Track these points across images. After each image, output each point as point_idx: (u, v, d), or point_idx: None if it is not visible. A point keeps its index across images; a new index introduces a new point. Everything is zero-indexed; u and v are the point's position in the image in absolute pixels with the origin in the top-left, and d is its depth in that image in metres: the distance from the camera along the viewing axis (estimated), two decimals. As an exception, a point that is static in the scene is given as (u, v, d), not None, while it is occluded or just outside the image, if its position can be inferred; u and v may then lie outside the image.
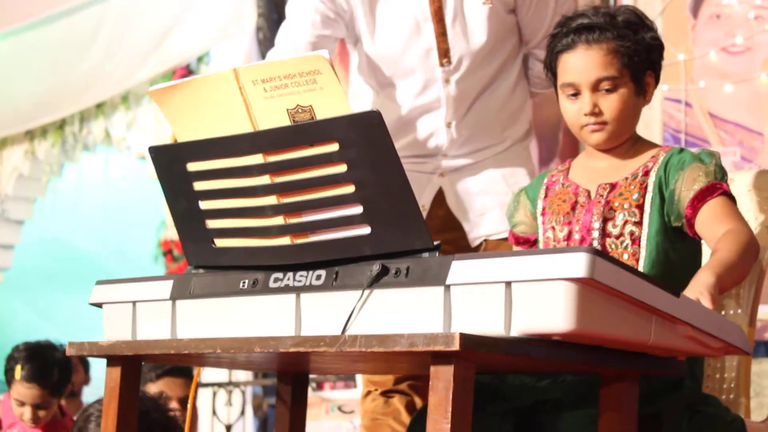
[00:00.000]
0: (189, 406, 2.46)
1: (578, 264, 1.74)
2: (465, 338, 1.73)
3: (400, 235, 1.94)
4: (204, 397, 6.24)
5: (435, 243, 1.93)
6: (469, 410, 1.79)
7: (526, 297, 1.79)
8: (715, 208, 2.37)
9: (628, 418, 2.04)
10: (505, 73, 3.23)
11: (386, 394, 3.25)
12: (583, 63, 2.47)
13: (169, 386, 3.73)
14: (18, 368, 4.27)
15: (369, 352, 1.84)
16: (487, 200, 3.22)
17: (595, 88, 2.47)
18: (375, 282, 1.94)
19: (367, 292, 1.95)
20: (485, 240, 3.23)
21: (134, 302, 2.26)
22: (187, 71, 6.90)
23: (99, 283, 2.34)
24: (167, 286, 2.22)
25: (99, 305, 2.34)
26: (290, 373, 2.48)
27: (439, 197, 3.23)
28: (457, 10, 3.12)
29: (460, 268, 1.86)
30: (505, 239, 2.93)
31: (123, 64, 7.06)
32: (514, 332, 1.81)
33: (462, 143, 3.21)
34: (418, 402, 3.24)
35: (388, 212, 1.95)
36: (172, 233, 6.87)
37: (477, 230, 3.23)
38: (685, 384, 2.33)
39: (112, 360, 2.27)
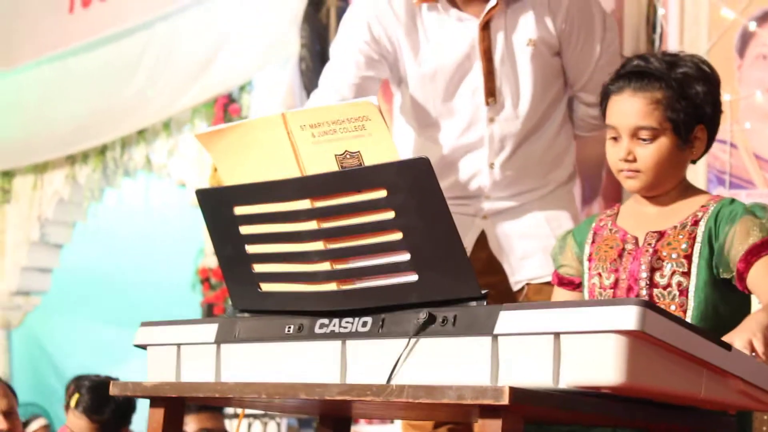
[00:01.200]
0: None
1: (629, 316, 1.72)
2: (515, 392, 1.71)
3: (448, 283, 1.93)
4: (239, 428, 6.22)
5: (483, 292, 1.91)
6: (516, 464, 1.77)
7: (575, 349, 1.78)
8: None
9: (678, 473, 2.01)
10: (551, 115, 3.22)
11: (425, 437, 3.23)
12: (625, 108, 2.45)
13: (202, 420, 3.71)
14: (76, 397, 4.27)
15: (416, 403, 1.82)
16: (530, 244, 3.20)
17: (634, 135, 2.45)
18: (421, 330, 1.93)
19: (413, 340, 1.93)
20: (527, 284, 3.21)
21: (179, 345, 2.26)
22: (229, 100, 6.91)
23: (144, 324, 2.34)
24: (212, 329, 2.21)
25: (143, 347, 2.33)
26: (332, 417, 2.46)
27: (482, 240, 3.21)
28: (505, 51, 3.11)
29: (508, 318, 1.84)
30: (547, 283, 2.91)
31: (165, 90, 7.07)
32: (563, 384, 1.79)
33: (506, 185, 3.19)
34: (458, 446, 3.22)
35: (436, 259, 1.94)
36: (210, 261, 6.87)
37: (519, 274, 3.21)
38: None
39: (156, 401, 2.26)
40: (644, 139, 2.44)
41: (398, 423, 5.52)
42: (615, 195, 5.10)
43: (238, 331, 2.18)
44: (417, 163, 1.90)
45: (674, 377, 1.82)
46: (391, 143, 1.96)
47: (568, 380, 1.78)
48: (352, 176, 1.99)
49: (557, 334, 1.79)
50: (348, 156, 2.00)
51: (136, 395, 2.26)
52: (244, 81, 6.78)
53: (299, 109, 2.08)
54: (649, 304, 1.73)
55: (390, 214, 1.95)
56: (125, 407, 4.22)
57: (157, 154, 7.45)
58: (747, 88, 4.57)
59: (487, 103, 3.13)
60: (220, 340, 2.20)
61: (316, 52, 6.43)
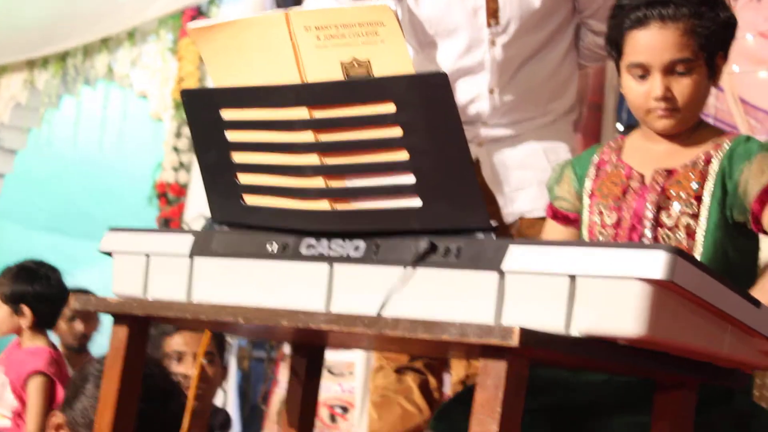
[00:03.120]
0: (197, 368, 2.28)
1: (658, 264, 1.55)
2: (525, 334, 1.55)
3: (454, 211, 1.76)
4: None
5: (492, 223, 1.74)
6: (519, 411, 1.61)
7: (592, 294, 1.60)
8: None
9: (683, 429, 1.86)
10: (556, 42, 3.06)
11: (400, 370, 3.10)
12: (656, 42, 2.26)
13: (186, 341, 3.53)
14: None
15: (410, 338, 1.66)
16: (526, 175, 3.05)
17: (668, 70, 2.27)
18: (420, 260, 1.75)
19: (410, 269, 1.76)
20: (520, 218, 3.06)
21: (148, 254, 2.08)
22: (197, 12, 6.75)
23: (111, 230, 2.15)
24: (187, 240, 2.03)
25: (109, 254, 2.15)
26: (307, 346, 2.30)
27: (475, 168, 3.04)
28: None
29: (518, 254, 1.67)
30: (542, 218, 2.76)
31: (133, -1, 6.89)
32: (574, 331, 1.63)
33: (504, 112, 3.03)
34: (433, 382, 3.09)
35: (443, 185, 1.76)
36: (168, 175, 6.73)
37: (512, 206, 3.06)
38: (736, 394, 2.16)
39: (120, 319, 2.08)
40: (681, 73, 2.27)
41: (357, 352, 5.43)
42: (594, 132, 4.98)
43: (215, 244, 2.00)
44: (433, 77, 1.71)
45: (697, 332, 1.67)
46: (405, 53, 1.77)
47: (582, 327, 1.62)
48: (359, 86, 1.80)
49: (573, 276, 1.62)
50: (356, 64, 1.81)
51: (99, 310, 2.08)
52: (214, -7, 6.61)
53: (305, 8, 1.88)
54: (680, 252, 1.56)
55: (397, 131, 1.76)
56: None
57: (119, 64, 7.30)
58: (738, 30, 4.45)
59: (489, 25, 2.96)
60: (194, 252, 2.01)
61: (291, -34, 6.26)
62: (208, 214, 2.09)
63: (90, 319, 5.55)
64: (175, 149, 6.77)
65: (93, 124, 7.60)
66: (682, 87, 2.27)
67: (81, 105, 7.79)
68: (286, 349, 5.79)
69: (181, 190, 6.66)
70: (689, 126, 2.33)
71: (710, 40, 2.27)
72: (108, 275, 2.14)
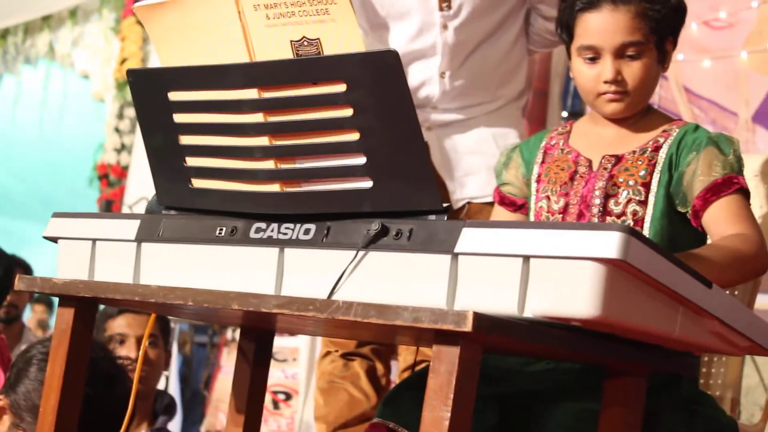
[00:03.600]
0: (141, 351, 2.25)
1: (611, 243, 1.53)
2: (479, 318, 1.53)
3: (406, 193, 1.73)
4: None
5: (444, 205, 1.72)
6: (472, 397, 1.59)
7: (546, 275, 1.59)
8: (728, 207, 2.17)
9: (633, 415, 1.86)
10: (507, 26, 3.04)
11: (347, 356, 3.08)
12: (607, 25, 2.24)
13: (129, 323, 3.49)
14: None
15: (362, 322, 1.63)
16: (475, 160, 3.04)
17: (619, 53, 2.25)
18: (372, 243, 1.73)
19: (361, 253, 1.74)
20: (469, 202, 3.04)
21: (95, 240, 2.04)
22: (141, -9, 6.66)
23: (56, 215, 2.11)
24: (133, 225, 2.00)
25: (54, 240, 2.11)
26: (255, 330, 2.27)
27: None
28: None
29: (471, 236, 1.65)
30: (491, 203, 2.74)
31: (76, -24, 6.80)
32: (528, 313, 1.61)
33: (454, 96, 3.01)
34: (380, 368, 3.07)
35: (395, 166, 1.73)
36: (109, 157, 6.66)
37: (462, 191, 3.04)
38: (684, 381, 2.16)
39: (66, 300, 2.05)
40: (631, 56, 2.25)
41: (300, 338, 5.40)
42: (540, 117, 4.99)
43: (163, 229, 1.97)
44: (384, 56, 1.68)
45: (650, 313, 1.65)
46: (357, 32, 1.75)
47: (535, 309, 1.60)
48: (309, 66, 1.76)
49: (527, 257, 1.60)
50: (306, 43, 1.79)
51: (44, 292, 2.03)
52: (159, -28, 6.52)
53: (254, -14, 1.84)
54: (634, 231, 1.55)
55: (348, 112, 1.73)
56: None
57: (61, 43, 7.21)
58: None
59: (441, 8, 2.94)
60: (141, 238, 1.98)
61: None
62: (150, 196, 2.05)
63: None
64: (117, 130, 6.71)
65: (33, 103, 7.51)
66: (632, 70, 2.26)
67: (21, 84, 7.69)
68: (229, 334, 5.76)
69: (123, 171, 6.60)
70: (638, 111, 2.32)
71: (661, 24, 2.26)
72: (50, 256, 2.10)
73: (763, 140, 4.63)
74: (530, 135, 3.14)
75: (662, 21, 2.26)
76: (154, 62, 6.52)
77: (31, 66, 7.42)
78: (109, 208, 6.46)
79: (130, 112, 6.64)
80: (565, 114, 5.18)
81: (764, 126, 4.64)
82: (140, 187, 6.21)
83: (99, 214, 2.06)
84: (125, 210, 6.16)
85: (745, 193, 2.20)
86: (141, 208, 6.00)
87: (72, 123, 7.20)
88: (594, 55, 2.27)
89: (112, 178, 6.66)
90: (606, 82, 2.26)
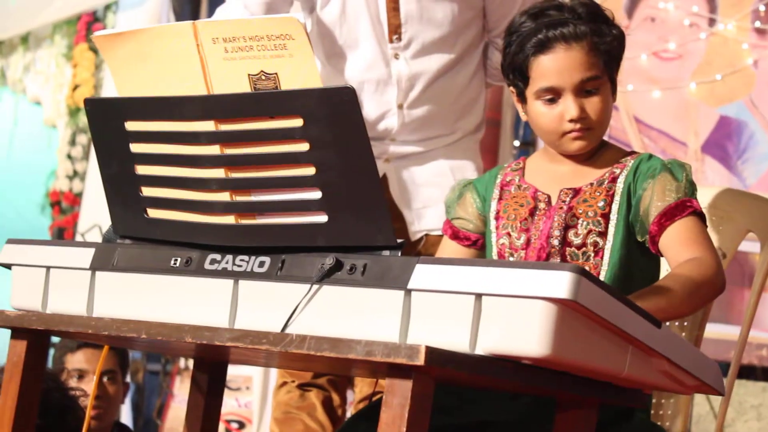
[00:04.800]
0: (94, 386, 2.25)
1: (562, 283, 1.56)
2: (431, 352, 1.54)
3: (360, 228, 1.75)
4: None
5: (398, 241, 1.74)
6: (424, 430, 1.60)
7: (497, 313, 1.61)
8: (682, 230, 2.20)
9: (583, 449, 1.88)
10: (465, 61, 3.06)
11: (303, 387, 3.08)
12: (564, 64, 2.26)
13: (88, 358, 3.47)
14: None
15: (315, 355, 1.64)
16: (432, 193, 3.06)
17: (579, 90, 2.27)
18: (326, 277, 1.75)
19: (315, 286, 1.75)
20: (426, 234, 3.06)
21: (48, 267, 2.04)
22: (93, 18, 6.67)
23: (10, 241, 2.11)
24: (88, 254, 2.00)
25: (8, 266, 2.11)
26: (209, 361, 2.27)
27: (382, 184, 3.04)
28: None
29: (424, 273, 1.67)
30: (447, 236, 2.76)
31: (28, 2, 6.77)
32: (479, 350, 1.63)
33: (413, 129, 3.04)
34: (336, 399, 3.07)
35: (350, 201, 1.75)
36: (62, 184, 6.63)
37: (419, 223, 3.06)
38: (636, 413, 2.18)
39: (19, 333, 2.04)
40: (589, 91, 2.28)
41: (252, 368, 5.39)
42: (492, 147, 5.03)
43: (117, 258, 1.97)
44: (340, 92, 1.70)
45: (599, 352, 1.68)
46: (314, 68, 1.76)
47: (487, 346, 1.62)
48: (266, 99, 1.78)
49: (479, 295, 1.62)
50: (263, 77, 1.80)
51: (-3, 324, 2.03)
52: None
53: (214, 19, 1.86)
54: (584, 272, 1.57)
55: (304, 146, 1.75)
56: None
57: (12, 69, 7.16)
58: (632, 50, 4.54)
59: (391, 40, 2.96)
60: (95, 266, 1.98)
61: (189, -25, 6.25)
62: (103, 223, 2.06)
63: None
64: (69, 157, 6.68)
65: (-16, 128, 7.46)
66: (593, 105, 2.28)
67: (-28, 109, 7.64)
68: (182, 362, 5.73)
69: (75, 199, 6.56)
70: (596, 145, 2.35)
71: (611, 56, 2.29)
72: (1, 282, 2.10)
73: (712, 170, 4.70)
74: (482, 164, 3.17)
75: (611, 52, 2.29)
76: (107, 89, 6.51)
77: (-19, 91, 7.38)
78: (62, 235, 6.43)
79: (83, 138, 6.61)
80: (517, 143, 5.23)
81: (713, 156, 4.71)
82: (93, 214, 6.18)
83: (53, 241, 2.06)
84: (78, 238, 6.12)
85: (699, 215, 2.23)
86: (94, 236, 5.96)
87: (23, 149, 7.16)
88: (553, 96, 2.28)
89: (64, 205, 6.62)
90: (571, 120, 2.27)
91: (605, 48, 2.27)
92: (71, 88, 6.68)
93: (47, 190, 6.77)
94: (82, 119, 6.56)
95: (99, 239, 5.87)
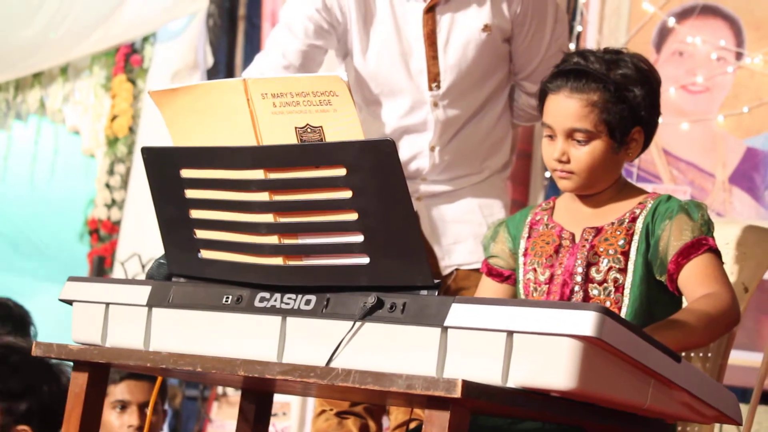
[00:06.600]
0: (149, 411, 2.38)
1: (587, 322, 1.70)
2: (467, 386, 1.68)
3: (400, 270, 1.89)
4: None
5: (435, 281, 1.88)
6: (460, 458, 1.74)
7: (527, 349, 1.75)
8: (699, 267, 2.32)
9: (609, 475, 2.01)
10: (492, 103, 3.20)
11: (341, 415, 3.19)
12: (561, 109, 2.42)
13: (131, 389, 3.59)
14: None
15: (359, 388, 1.79)
16: (462, 229, 3.19)
17: (569, 136, 2.42)
18: (368, 314, 1.89)
19: (358, 323, 1.89)
20: (456, 269, 3.19)
21: (108, 304, 2.19)
22: (131, 50, 6.81)
23: (71, 279, 2.26)
24: (145, 291, 2.15)
25: (69, 302, 2.26)
26: (256, 392, 2.41)
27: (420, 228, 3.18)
28: (451, 34, 3.08)
29: (459, 311, 1.81)
30: (477, 270, 2.89)
31: (67, 35, 6.91)
32: (511, 383, 1.77)
33: (443, 169, 3.17)
34: (372, 426, 3.19)
35: (390, 244, 1.90)
36: (100, 212, 6.76)
37: (449, 259, 3.19)
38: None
39: (80, 365, 2.19)
40: (579, 141, 2.42)
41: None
42: (523, 179, 5.13)
43: (173, 295, 2.12)
44: (381, 144, 1.85)
45: (622, 385, 1.81)
46: (356, 121, 1.91)
47: (517, 380, 1.76)
48: (312, 151, 1.93)
49: (510, 332, 1.76)
50: (309, 130, 1.95)
51: (61, 358, 2.18)
52: (148, 32, 6.68)
53: (263, 76, 2.00)
54: (608, 311, 1.71)
55: (347, 194, 1.90)
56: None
57: (51, 99, 7.30)
58: (661, 83, 4.62)
59: (431, 88, 3.10)
60: (152, 303, 2.13)
61: (224, 10, 6.36)
62: (142, 252, 2.20)
63: None
64: (108, 186, 6.81)
65: (24, 159, 7.60)
66: (578, 154, 2.42)
67: (12, 140, 7.77)
68: (220, 389, 5.84)
69: (114, 227, 6.70)
70: (598, 189, 2.48)
71: (616, 117, 2.41)
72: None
73: (740, 201, 4.77)
74: (514, 195, 3.30)
75: (619, 113, 2.41)
76: (144, 119, 6.63)
77: (21, 122, 7.52)
78: (102, 263, 6.56)
79: (121, 168, 6.75)
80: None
81: (741, 187, 4.78)
82: (132, 243, 6.31)
83: (112, 279, 2.21)
84: (117, 266, 6.26)
85: (715, 252, 2.35)
86: (134, 265, 6.09)
87: (62, 178, 7.30)
88: (551, 134, 2.45)
89: (102, 233, 6.75)
90: (555, 160, 2.44)
91: (608, 107, 2.40)
92: (110, 119, 6.82)
93: (86, 218, 6.89)
94: (120, 149, 6.70)
95: (138, 268, 5.95)
